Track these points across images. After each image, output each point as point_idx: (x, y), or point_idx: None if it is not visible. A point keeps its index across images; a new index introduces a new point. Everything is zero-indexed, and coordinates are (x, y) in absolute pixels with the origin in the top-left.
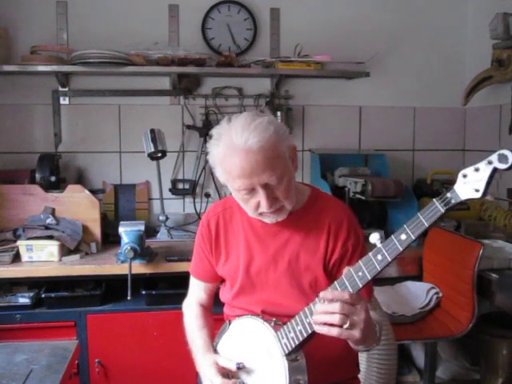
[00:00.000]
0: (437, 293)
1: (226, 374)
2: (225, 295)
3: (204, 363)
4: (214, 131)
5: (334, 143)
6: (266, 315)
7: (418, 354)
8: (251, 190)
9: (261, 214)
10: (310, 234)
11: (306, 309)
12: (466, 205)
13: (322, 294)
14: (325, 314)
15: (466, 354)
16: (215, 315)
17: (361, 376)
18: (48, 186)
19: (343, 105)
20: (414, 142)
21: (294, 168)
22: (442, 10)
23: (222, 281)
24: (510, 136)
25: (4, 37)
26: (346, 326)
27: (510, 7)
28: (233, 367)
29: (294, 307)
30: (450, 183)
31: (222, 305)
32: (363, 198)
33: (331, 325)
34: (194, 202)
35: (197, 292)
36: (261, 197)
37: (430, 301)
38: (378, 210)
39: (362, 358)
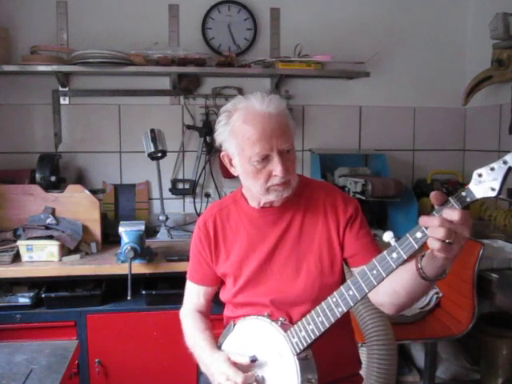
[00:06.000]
0: (437, 293)
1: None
2: (226, 294)
3: (215, 360)
4: (228, 106)
5: (334, 143)
6: (274, 304)
7: (418, 354)
8: (265, 158)
9: (268, 188)
10: (307, 217)
11: (317, 308)
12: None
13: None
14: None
15: (466, 353)
16: (215, 315)
17: (363, 377)
18: (48, 186)
19: (343, 105)
20: (414, 142)
21: None
22: (442, 10)
23: (221, 285)
24: (510, 136)
25: (4, 37)
26: (448, 241)
27: (510, 7)
28: (246, 361)
29: (302, 291)
30: (450, 183)
31: (222, 305)
32: (363, 198)
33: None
34: (194, 202)
35: (195, 298)
36: (275, 163)
37: (430, 301)
38: (378, 210)
39: (363, 357)
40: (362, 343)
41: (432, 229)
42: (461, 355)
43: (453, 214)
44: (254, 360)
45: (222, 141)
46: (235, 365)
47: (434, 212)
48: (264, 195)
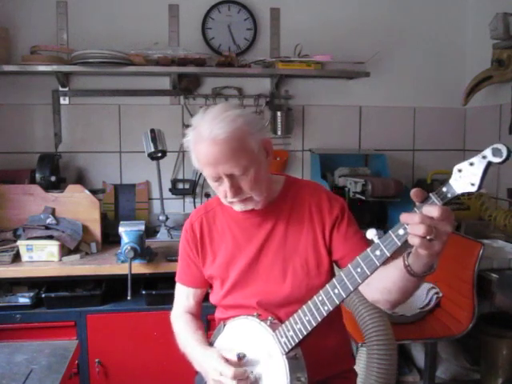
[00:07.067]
0: (437, 293)
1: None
2: (215, 297)
3: (208, 357)
4: (192, 119)
5: (334, 143)
6: (261, 306)
7: (418, 354)
8: (218, 178)
9: (230, 202)
10: (292, 218)
11: (304, 307)
12: (465, 204)
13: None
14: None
15: (466, 354)
16: (210, 315)
17: (360, 376)
18: (48, 186)
19: (343, 105)
20: (414, 142)
21: (269, 161)
22: (442, 10)
23: (210, 287)
24: (509, 136)
25: (4, 37)
26: (429, 237)
27: (510, 7)
28: (233, 357)
29: (288, 292)
30: None
31: (215, 306)
32: (363, 197)
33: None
34: (194, 202)
35: (184, 301)
36: (226, 186)
37: (430, 301)
38: (378, 210)
39: (362, 357)
40: (362, 343)
41: (412, 226)
42: (461, 355)
43: (433, 210)
44: (240, 357)
45: (189, 151)
46: (227, 361)
47: (415, 209)
48: (229, 205)
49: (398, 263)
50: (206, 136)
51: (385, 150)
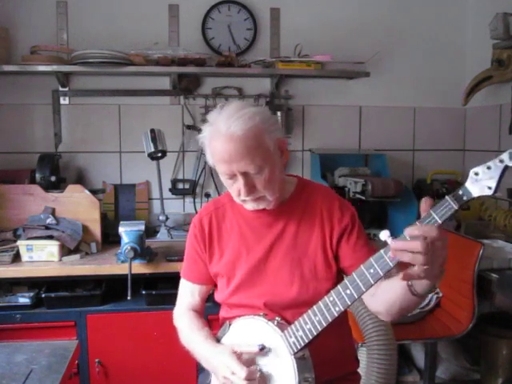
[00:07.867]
0: (437, 293)
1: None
2: (221, 295)
3: (218, 353)
4: (208, 116)
5: (334, 143)
6: (268, 307)
7: (418, 354)
8: (233, 176)
9: (243, 200)
10: (303, 221)
11: (314, 307)
12: (465, 204)
13: (408, 231)
14: (404, 252)
15: (466, 354)
16: (213, 315)
17: (361, 375)
18: (48, 186)
19: (343, 105)
20: (414, 142)
21: (283, 161)
22: (442, 10)
23: (215, 286)
24: (510, 136)
25: (4, 37)
26: (426, 267)
27: (510, 7)
28: (254, 349)
29: (296, 295)
30: (450, 183)
31: (219, 306)
32: (363, 198)
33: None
34: (194, 202)
35: (189, 298)
36: (240, 184)
37: (430, 301)
38: (378, 210)
39: (362, 357)
40: (362, 343)
41: (414, 255)
42: (461, 355)
43: (430, 230)
44: (262, 348)
45: (202, 147)
46: (240, 356)
47: (431, 211)
48: (241, 203)
49: (403, 282)
50: (222, 132)
51: (385, 150)
